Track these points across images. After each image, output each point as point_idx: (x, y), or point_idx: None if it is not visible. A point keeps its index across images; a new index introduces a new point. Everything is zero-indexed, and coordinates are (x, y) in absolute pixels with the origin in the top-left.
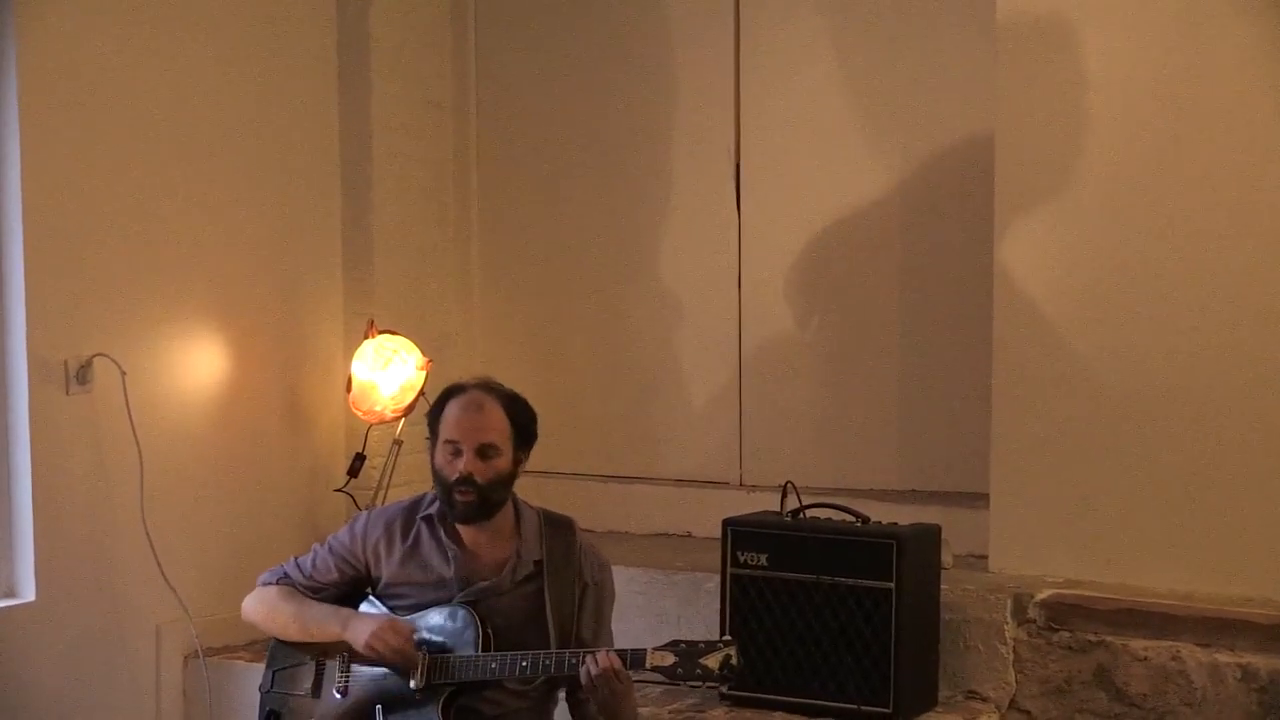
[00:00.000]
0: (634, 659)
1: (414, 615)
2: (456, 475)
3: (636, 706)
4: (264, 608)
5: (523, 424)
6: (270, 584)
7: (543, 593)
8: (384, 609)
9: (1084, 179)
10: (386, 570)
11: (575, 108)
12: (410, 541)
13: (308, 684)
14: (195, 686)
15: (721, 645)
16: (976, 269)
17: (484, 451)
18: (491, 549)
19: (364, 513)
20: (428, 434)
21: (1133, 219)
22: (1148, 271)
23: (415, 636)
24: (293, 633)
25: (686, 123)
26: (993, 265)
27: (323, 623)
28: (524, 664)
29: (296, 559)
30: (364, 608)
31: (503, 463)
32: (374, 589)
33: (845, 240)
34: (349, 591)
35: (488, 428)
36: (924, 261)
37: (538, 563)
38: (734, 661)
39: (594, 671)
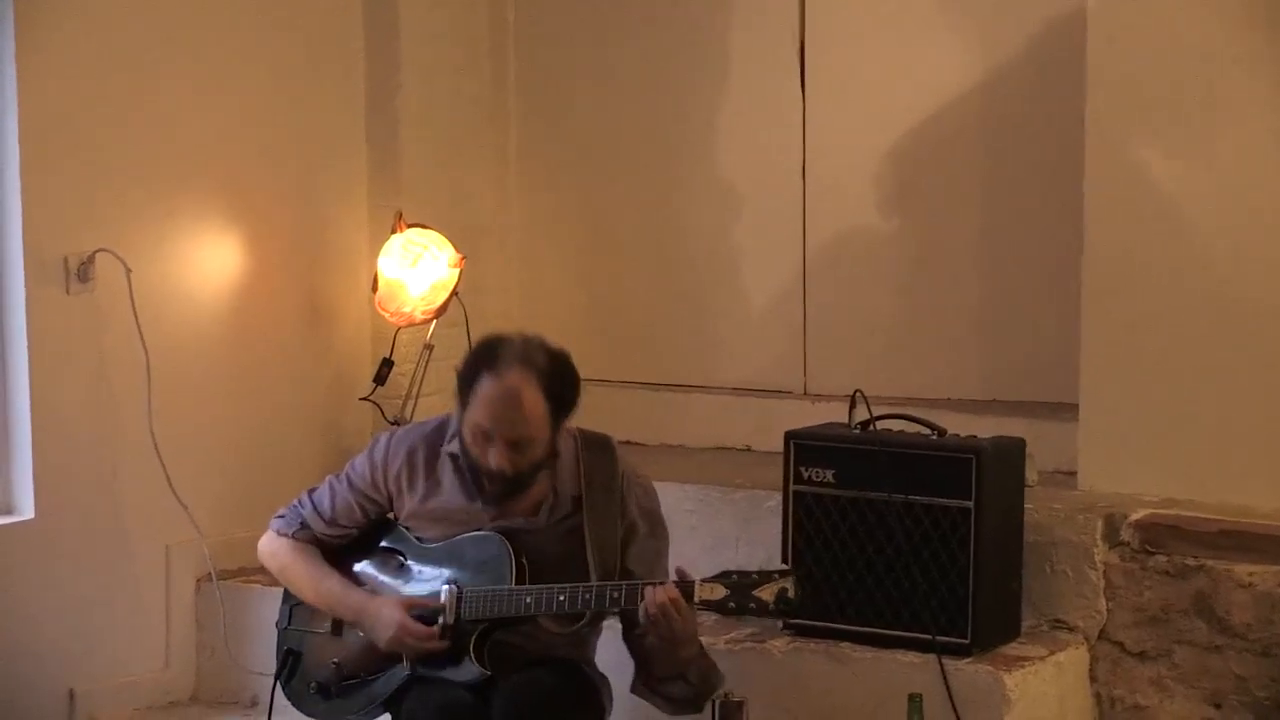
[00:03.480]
0: (681, 593)
1: (442, 544)
2: (486, 467)
3: (697, 635)
4: (276, 564)
5: (563, 402)
6: (286, 535)
7: (581, 529)
8: (408, 541)
9: (1186, 68)
10: (410, 502)
11: None
12: (434, 477)
13: (329, 621)
14: (208, 611)
15: (778, 576)
16: (1065, 162)
17: (517, 445)
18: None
19: (382, 436)
20: (456, 391)
21: (1240, 108)
22: (1257, 168)
23: (440, 595)
24: (306, 599)
25: None
26: (1084, 159)
27: (335, 605)
28: (561, 598)
29: (312, 497)
30: (400, 539)
31: (537, 451)
32: (397, 517)
33: (921, 128)
34: (374, 526)
35: (523, 421)
36: (1008, 153)
37: (576, 499)
38: (791, 595)
39: (658, 604)
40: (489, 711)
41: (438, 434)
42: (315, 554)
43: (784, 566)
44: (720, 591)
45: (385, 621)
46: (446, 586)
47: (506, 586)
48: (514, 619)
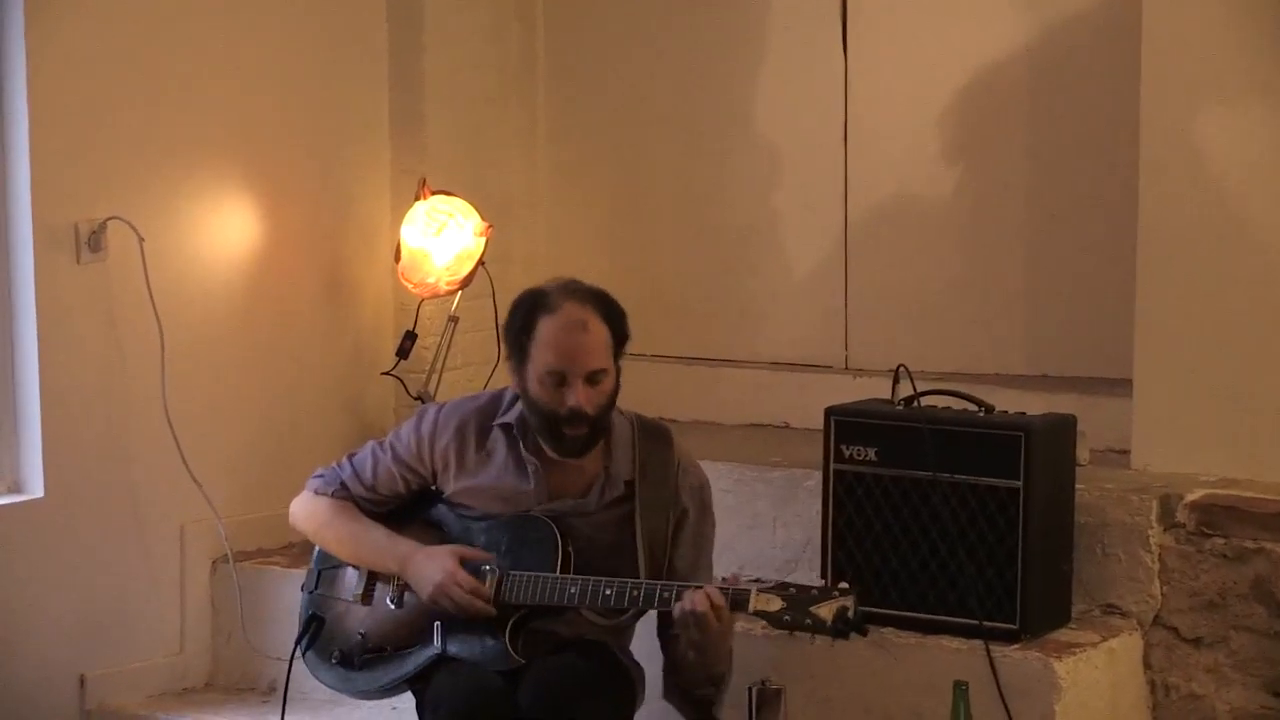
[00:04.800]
0: (735, 600)
1: (487, 524)
2: (567, 409)
3: (731, 649)
4: (314, 524)
5: (621, 331)
6: (324, 495)
7: (633, 517)
8: (452, 517)
9: (1244, 38)
10: (455, 480)
11: None
12: (485, 451)
13: (358, 588)
14: (224, 594)
15: (838, 594)
16: (1120, 125)
17: (593, 378)
18: (578, 465)
19: (430, 408)
20: (507, 351)
21: None
22: None
23: (485, 570)
24: (345, 556)
25: None
26: (1139, 121)
27: (378, 556)
28: (608, 592)
29: (352, 462)
30: (442, 513)
31: (609, 383)
32: (441, 494)
33: (969, 88)
34: (415, 499)
35: (595, 350)
36: (1060, 115)
37: (629, 483)
38: (851, 615)
39: (690, 609)
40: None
41: (490, 407)
42: (356, 510)
43: (844, 584)
44: (776, 603)
45: (433, 567)
46: (487, 568)
47: (552, 574)
48: (556, 608)
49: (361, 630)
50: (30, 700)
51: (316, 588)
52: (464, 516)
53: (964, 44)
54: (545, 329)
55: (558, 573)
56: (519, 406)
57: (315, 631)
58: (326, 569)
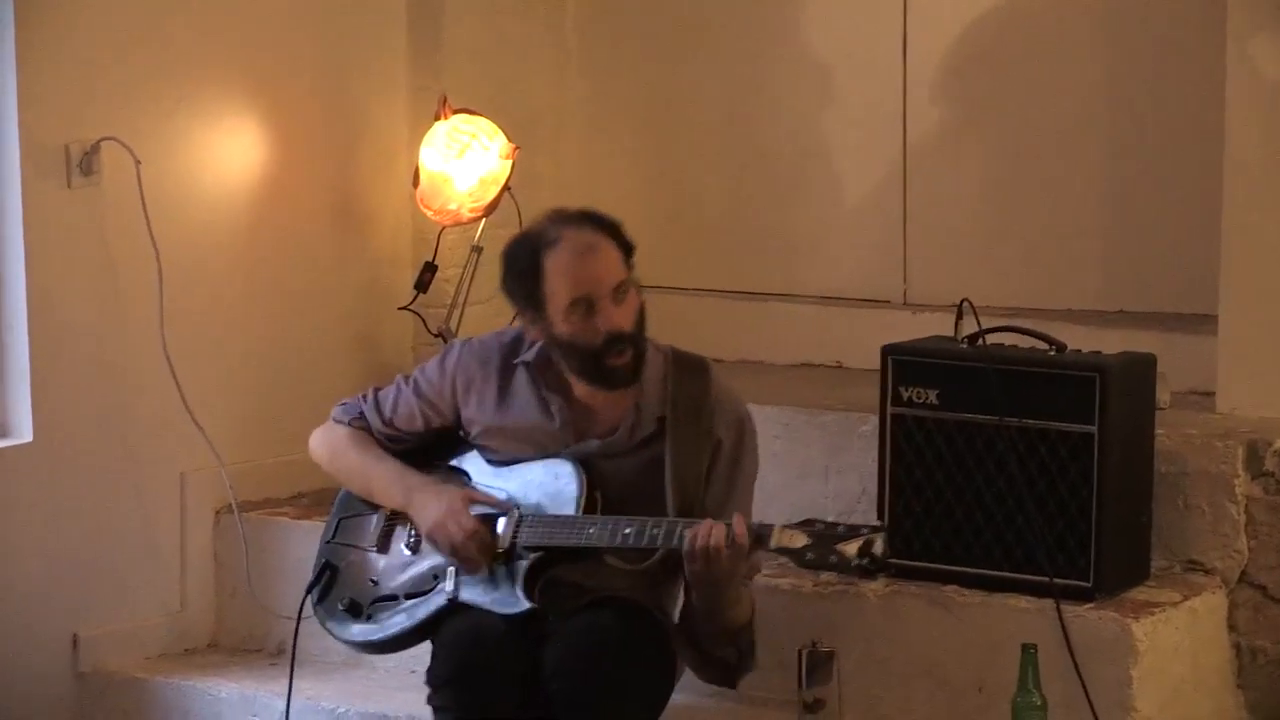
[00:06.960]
0: (758, 535)
1: (512, 468)
2: (604, 335)
3: (750, 605)
4: (328, 452)
5: (624, 241)
6: (342, 424)
7: (664, 459)
8: (479, 463)
9: None
10: (479, 420)
11: None
12: (507, 389)
13: (374, 536)
14: (228, 547)
15: (866, 531)
16: (1206, 41)
17: (618, 294)
18: (606, 402)
19: (457, 344)
20: (519, 306)
21: None
22: None
23: (503, 513)
24: (355, 488)
25: None
26: (1226, 38)
27: (386, 488)
28: (628, 531)
29: (377, 394)
30: (469, 459)
31: (635, 296)
32: (466, 434)
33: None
34: (435, 439)
35: (611, 265)
36: (1139, 25)
37: (661, 420)
38: (876, 550)
39: (694, 541)
40: (538, 653)
41: (514, 346)
42: (372, 442)
43: (877, 523)
44: (800, 540)
45: (438, 503)
46: (505, 514)
47: (570, 514)
48: (574, 551)
49: (374, 577)
50: (20, 662)
51: (334, 537)
52: (491, 461)
53: None
54: (554, 263)
55: (577, 514)
56: (537, 345)
57: (328, 581)
58: (347, 517)
